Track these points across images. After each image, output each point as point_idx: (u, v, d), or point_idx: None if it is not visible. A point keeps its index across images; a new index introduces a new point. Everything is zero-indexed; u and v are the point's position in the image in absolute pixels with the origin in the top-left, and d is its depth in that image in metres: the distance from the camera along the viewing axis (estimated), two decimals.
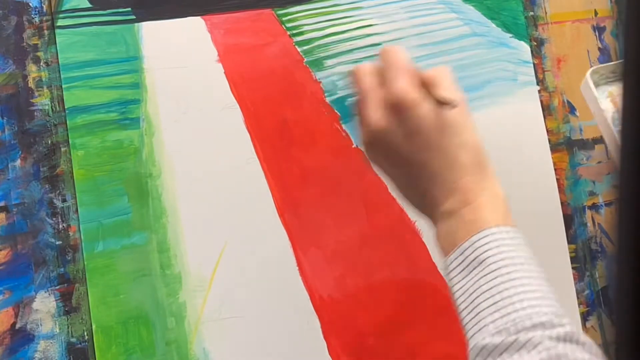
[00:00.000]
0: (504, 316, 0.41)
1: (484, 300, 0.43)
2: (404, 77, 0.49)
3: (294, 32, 0.63)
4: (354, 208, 0.62)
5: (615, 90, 0.56)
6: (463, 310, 0.44)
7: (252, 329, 0.59)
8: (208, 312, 0.58)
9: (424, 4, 0.66)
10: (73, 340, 0.55)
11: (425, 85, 0.49)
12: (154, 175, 0.58)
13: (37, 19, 0.57)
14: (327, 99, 0.63)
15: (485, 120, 0.66)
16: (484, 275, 0.43)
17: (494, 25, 0.68)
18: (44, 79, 0.57)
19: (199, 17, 0.61)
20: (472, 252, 0.44)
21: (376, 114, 0.48)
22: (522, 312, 0.41)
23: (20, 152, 0.56)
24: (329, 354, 0.60)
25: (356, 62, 0.64)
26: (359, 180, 0.63)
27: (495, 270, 0.43)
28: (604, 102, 0.54)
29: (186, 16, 0.60)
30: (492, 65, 0.67)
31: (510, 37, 0.68)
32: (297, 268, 0.60)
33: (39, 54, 0.57)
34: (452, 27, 0.67)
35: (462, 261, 0.45)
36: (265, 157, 0.61)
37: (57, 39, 0.57)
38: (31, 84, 0.56)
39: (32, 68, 0.56)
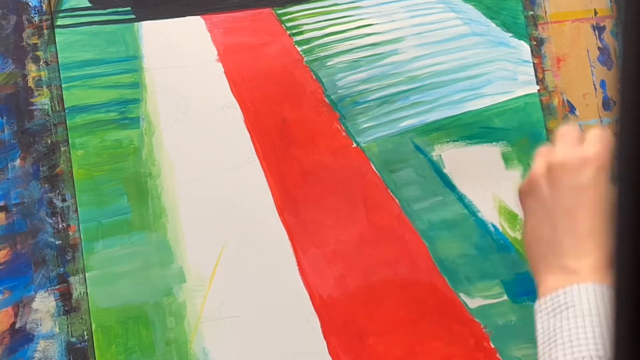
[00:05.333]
0: (576, 353, 0.45)
1: (562, 338, 0.46)
2: (602, 146, 0.52)
3: (294, 31, 0.63)
4: (354, 208, 0.62)
5: None
6: (542, 344, 0.47)
7: (252, 328, 0.59)
8: (208, 311, 0.58)
9: (423, 4, 0.66)
10: (73, 340, 0.55)
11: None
12: (153, 175, 0.58)
13: (36, 19, 0.57)
14: (327, 98, 0.63)
15: (485, 120, 0.66)
16: (570, 319, 0.46)
17: (493, 24, 0.68)
18: (43, 79, 0.57)
19: (198, 17, 0.61)
20: (564, 299, 0.47)
21: (569, 152, 0.51)
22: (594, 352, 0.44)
23: (19, 152, 0.55)
24: (329, 353, 0.60)
25: (356, 61, 0.64)
26: (359, 180, 0.63)
27: (579, 316, 0.46)
28: None
29: (186, 15, 0.60)
30: (492, 65, 0.67)
31: (510, 36, 0.68)
32: (297, 268, 0.60)
33: (38, 53, 0.57)
34: (452, 27, 0.67)
35: (553, 305, 0.48)
36: (265, 156, 0.61)
37: (56, 39, 0.57)
38: (31, 84, 0.56)
39: (31, 67, 0.56)
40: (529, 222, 0.53)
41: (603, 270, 0.49)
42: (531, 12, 0.69)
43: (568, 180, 0.50)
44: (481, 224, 0.64)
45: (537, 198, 0.52)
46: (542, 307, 0.48)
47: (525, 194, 0.54)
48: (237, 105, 0.60)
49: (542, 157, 0.53)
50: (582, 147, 0.52)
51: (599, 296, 0.47)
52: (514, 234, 0.66)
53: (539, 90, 0.68)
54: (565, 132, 0.54)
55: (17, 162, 0.55)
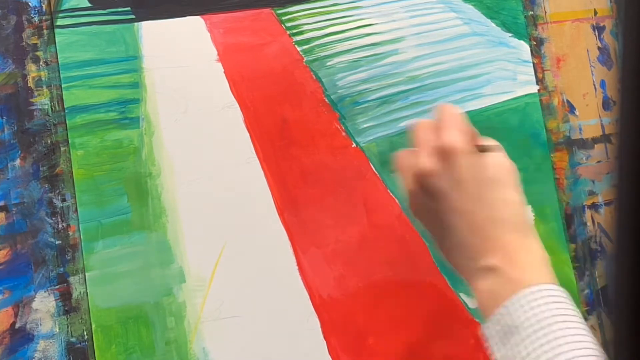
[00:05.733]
0: None
1: None
2: (455, 128, 0.50)
3: (294, 31, 0.63)
4: (354, 208, 0.62)
5: None
6: None
7: (252, 328, 0.59)
8: (208, 311, 0.58)
9: (423, 3, 0.66)
10: (73, 340, 0.55)
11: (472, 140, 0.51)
12: (153, 175, 0.58)
13: (36, 19, 0.57)
14: (327, 98, 0.63)
15: (485, 120, 0.66)
16: (520, 343, 0.43)
17: (493, 24, 0.68)
18: (43, 79, 0.57)
19: (198, 17, 0.61)
20: (508, 319, 0.45)
21: (426, 158, 0.50)
22: None
23: (19, 152, 0.55)
24: (329, 353, 0.60)
25: (356, 61, 0.64)
26: (359, 180, 0.63)
27: (531, 335, 0.43)
28: None
29: (186, 15, 0.60)
30: (492, 65, 0.67)
31: (509, 36, 0.68)
32: (297, 268, 0.60)
33: (38, 53, 0.57)
34: (452, 27, 0.67)
35: (498, 328, 0.45)
36: (264, 156, 0.61)
37: (56, 39, 0.57)
38: (31, 84, 0.56)
39: (31, 67, 0.56)
40: (433, 237, 0.52)
41: (522, 257, 0.47)
42: (531, 12, 0.69)
43: (441, 184, 0.49)
44: None
45: (425, 212, 0.51)
46: (488, 333, 0.46)
47: (414, 212, 0.52)
48: (237, 105, 0.61)
49: (407, 171, 0.51)
50: (438, 138, 0.50)
51: (538, 303, 0.44)
52: None
53: (538, 90, 0.68)
54: (416, 135, 0.52)
55: (17, 162, 0.55)
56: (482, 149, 0.51)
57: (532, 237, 0.49)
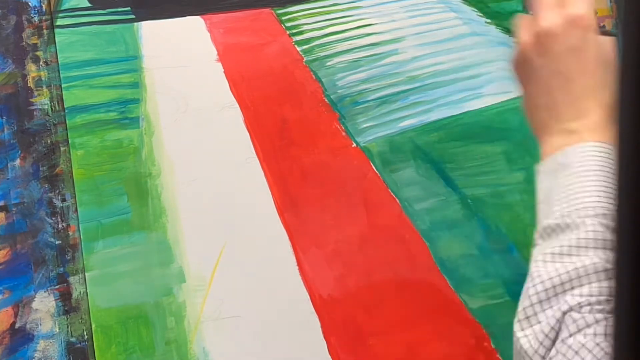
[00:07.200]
0: (570, 206, 0.46)
1: (558, 194, 0.47)
2: (589, 2, 0.52)
3: (293, 31, 0.63)
4: (354, 208, 0.62)
5: None
6: (541, 202, 0.48)
7: (252, 328, 0.59)
8: (208, 311, 0.58)
9: (423, 3, 0.66)
10: (73, 339, 0.55)
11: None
12: (153, 175, 0.58)
13: (36, 19, 0.57)
14: (327, 98, 0.63)
15: (485, 119, 0.66)
16: (566, 176, 0.48)
17: (493, 24, 0.68)
18: (43, 79, 0.57)
19: (198, 17, 0.61)
20: (563, 158, 0.48)
21: (554, 18, 0.51)
22: (588, 204, 0.46)
23: (19, 152, 0.55)
24: (329, 353, 0.60)
25: (356, 61, 0.64)
26: (359, 180, 0.63)
27: (578, 173, 0.47)
28: None
29: (186, 15, 0.60)
30: (492, 65, 0.67)
31: (509, 36, 0.68)
32: (297, 268, 0.60)
33: (38, 53, 0.57)
34: (452, 27, 0.67)
35: (552, 165, 0.49)
36: (264, 156, 0.61)
37: (56, 39, 0.57)
38: (30, 84, 0.56)
39: (31, 67, 0.56)
40: (526, 92, 0.54)
41: (602, 128, 0.49)
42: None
43: (557, 46, 0.51)
44: (482, 224, 0.64)
45: (529, 69, 0.53)
46: (542, 169, 0.50)
47: (517, 66, 0.54)
48: (237, 105, 0.60)
49: (526, 28, 0.53)
50: (564, 9, 0.52)
51: (597, 153, 0.48)
52: (515, 233, 0.65)
53: None
54: None
55: (17, 162, 0.55)
56: (604, 32, 0.53)
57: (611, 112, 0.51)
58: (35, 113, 0.56)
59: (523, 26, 0.54)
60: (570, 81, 0.51)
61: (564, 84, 0.51)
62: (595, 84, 0.51)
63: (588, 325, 0.42)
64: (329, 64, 0.63)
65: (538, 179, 0.49)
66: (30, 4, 0.57)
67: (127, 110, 0.58)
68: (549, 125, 0.51)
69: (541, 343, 0.43)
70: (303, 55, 0.63)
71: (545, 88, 0.52)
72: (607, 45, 0.52)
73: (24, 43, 0.56)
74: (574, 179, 0.47)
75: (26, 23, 0.57)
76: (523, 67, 0.53)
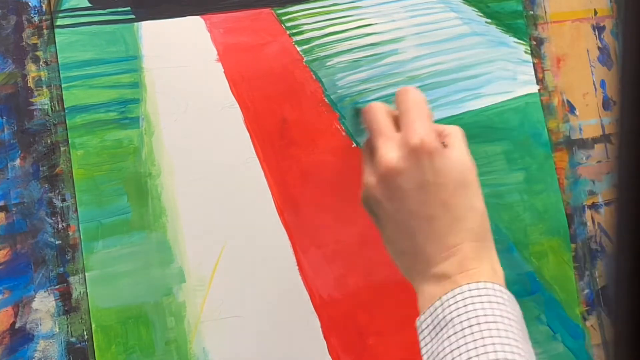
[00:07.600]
0: None
1: None
2: (424, 122, 0.48)
3: (294, 31, 0.63)
4: (354, 208, 0.62)
5: None
6: None
7: (252, 328, 0.59)
8: (208, 311, 0.58)
9: (423, 3, 0.66)
10: (72, 339, 0.55)
11: (441, 137, 0.48)
12: (153, 175, 0.58)
13: (36, 19, 0.57)
14: (327, 98, 0.63)
15: (485, 119, 0.66)
16: (449, 337, 0.42)
17: (493, 24, 0.68)
18: (43, 79, 0.57)
19: (198, 17, 0.61)
20: (441, 312, 0.43)
21: (393, 154, 0.47)
22: None
23: (19, 152, 0.55)
24: (329, 353, 0.60)
25: (356, 61, 0.64)
26: (359, 180, 0.63)
27: (459, 331, 0.41)
28: None
29: (186, 15, 0.60)
30: (492, 65, 0.67)
31: (510, 36, 0.68)
32: (297, 268, 0.60)
33: (38, 53, 0.57)
34: (452, 27, 0.67)
35: (431, 320, 0.44)
36: (264, 156, 0.61)
37: (56, 39, 0.57)
38: (30, 84, 0.56)
39: (31, 67, 0.56)
40: (385, 236, 0.49)
41: (476, 261, 0.44)
42: (531, 12, 0.69)
43: (405, 184, 0.46)
44: None
45: (383, 214, 0.48)
46: (422, 326, 0.44)
47: (369, 210, 0.49)
48: (237, 105, 0.60)
49: (368, 167, 0.48)
50: (402, 133, 0.46)
51: (475, 298, 0.42)
52: (515, 233, 0.66)
53: (539, 90, 0.68)
54: (377, 123, 0.48)
55: (17, 162, 0.55)
56: (445, 143, 0.49)
57: (489, 248, 0.47)
58: (35, 113, 0.56)
59: (365, 165, 0.48)
60: (430, 219, 0.45)
61: (424, 224, 0.46)
62: (458, 214, 0.45)
63: None
64: (329, 63, 0.63)
65: (420, 336, 0.44)
66: (30, 4, 0.57)
67: (127, 110, 0.58)
68: (419, 271, 0.46)
69: None
70: (303, 55, 0.63)
71: (406, 231, 0.47)
72: (459, 160, 0.47)
73: (24, 43, 0.56)
74: (455, 345, 0.41)
75: (26, 23, 0.57)
76: (377, 212, 0.49)
